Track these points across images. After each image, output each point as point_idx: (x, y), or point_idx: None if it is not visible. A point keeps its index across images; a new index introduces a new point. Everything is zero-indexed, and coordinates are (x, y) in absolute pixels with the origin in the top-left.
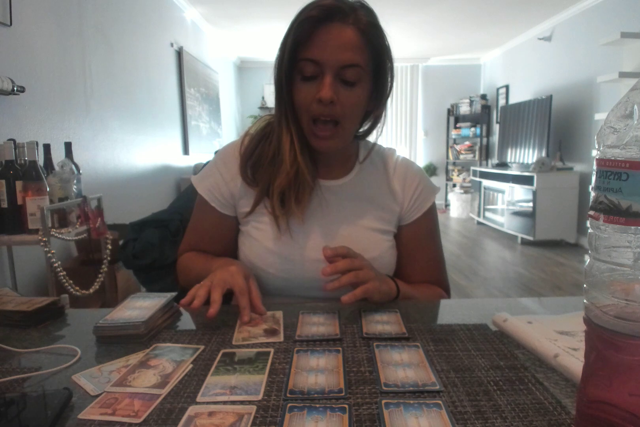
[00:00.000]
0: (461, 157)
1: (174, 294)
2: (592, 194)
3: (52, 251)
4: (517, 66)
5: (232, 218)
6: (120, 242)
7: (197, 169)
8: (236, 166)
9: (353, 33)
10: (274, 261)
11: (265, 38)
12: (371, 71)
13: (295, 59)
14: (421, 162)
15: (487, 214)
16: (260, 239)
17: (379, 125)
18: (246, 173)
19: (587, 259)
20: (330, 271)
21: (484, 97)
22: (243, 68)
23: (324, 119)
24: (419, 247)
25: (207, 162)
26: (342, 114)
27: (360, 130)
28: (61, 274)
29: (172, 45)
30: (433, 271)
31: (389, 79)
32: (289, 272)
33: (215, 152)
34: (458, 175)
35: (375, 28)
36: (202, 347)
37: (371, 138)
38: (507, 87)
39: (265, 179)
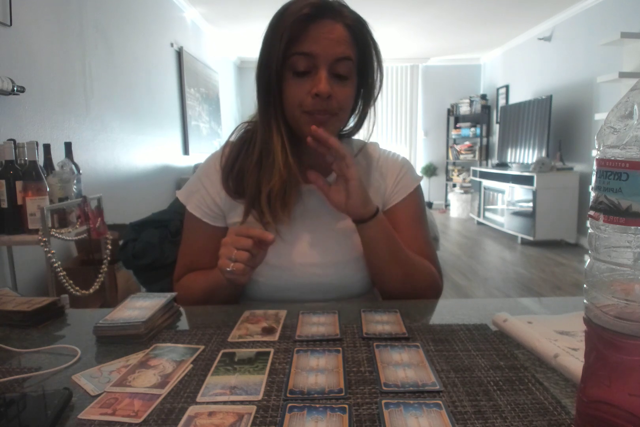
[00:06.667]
0: (461, 157)
1: (174, 294)
2: (592, 194)
3: (52, 251)
4: (517, 66)
5: (225, 229)
6: (120, 242)
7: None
8: (219, 179)
9: (343, 29)
10: (262, 268)
11: None
12: (357, 66)
13: (287, 54)
14: (421, 162)
15: (487, 214)
16: None
17: (366, 124)
18: (228, 185)
19: (587, 259)
20: (316, 176)
21: (484, 97)
22: (243, 68)
23: (319, 115)
24: (404, 230)
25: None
26: (338, 108)
27: (345, 128)
28: (61, 274)
29: (172, 45)
30: (421, 254)
31: (377, 77)
32: (278, 279)
33: (195, 166)
34: (458, 176)
35: (361, 24)
36: (202, 347)
37: (361, 137)
38: (507, 87)
39: (252, 185)
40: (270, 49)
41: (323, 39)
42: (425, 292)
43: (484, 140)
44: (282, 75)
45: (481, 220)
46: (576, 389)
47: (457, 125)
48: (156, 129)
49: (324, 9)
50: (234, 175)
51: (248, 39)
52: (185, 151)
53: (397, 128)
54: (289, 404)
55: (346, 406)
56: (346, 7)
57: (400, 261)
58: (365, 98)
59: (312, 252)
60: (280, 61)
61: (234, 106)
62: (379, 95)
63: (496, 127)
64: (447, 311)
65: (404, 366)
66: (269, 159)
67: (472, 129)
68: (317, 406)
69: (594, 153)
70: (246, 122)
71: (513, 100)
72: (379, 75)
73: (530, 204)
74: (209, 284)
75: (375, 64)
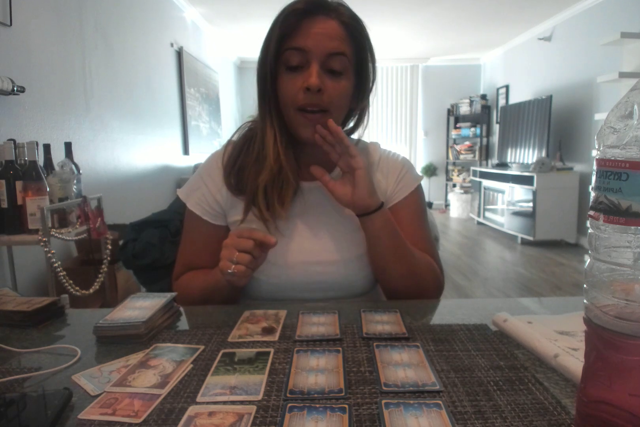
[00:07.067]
0: (461, 157)
1: (174, 294)
2: (592, 194)
3: (52, 251)
4: (517, 66)
5: (225, 228)
6: (120, 242)
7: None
8: (220, 176)
9: (337, 25)
10: (264, 266)
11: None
12: (354, 64)
13: (280, 50)
14: (421, 162)
15: (487, 214)
16: None
17: (363, 122)
18: (230, 182)
19: (587, 259)
20: (321, 172)
21: (484, 97)
22: (243, 68)
23: (311, 109)
24: (405, 228)
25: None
26: (329, 103)
27: (345, 128)
28: (61, 274)
29: (172, 45)
30: (422, 251)
31: (371, 74)
32: (278, 277)
33: (195, 166)
34: (458, 176)
35: (357, 22)
36: (202, 347)
37: (356, 135)
38: (507, 87)
39: (252, 181)
40: (266, 45)
41: (315, 34)
42: (428, 288)
43: (484, 140)
44: (277, 71)
45: (481, 220)
46: (576, 389)
47: (457, 125)
48: (156, 129)
49: (319, 6)
50: (235, 171)
51: (248, 39)
52: (185, 151)
53: (397, 128)
54: (289, 404)
55: (346, 406)
56: (343, 5)
57: (404, 256)
58: (361, 95)
59: (314, 250)
60: (274, 56)
61: (234, 106)
62: (379, 95)
63: (496, 127)
64: (447, 311)
65: (404, 366)
66: (263, 152)
67: (472, 129)
68: (317, 406)
69: (594, 153)
70: (249, 122)
71: (513, 100)
72: (372, 74)
73: (530, 204)
74: (208, 285)
75: (370, 63)
